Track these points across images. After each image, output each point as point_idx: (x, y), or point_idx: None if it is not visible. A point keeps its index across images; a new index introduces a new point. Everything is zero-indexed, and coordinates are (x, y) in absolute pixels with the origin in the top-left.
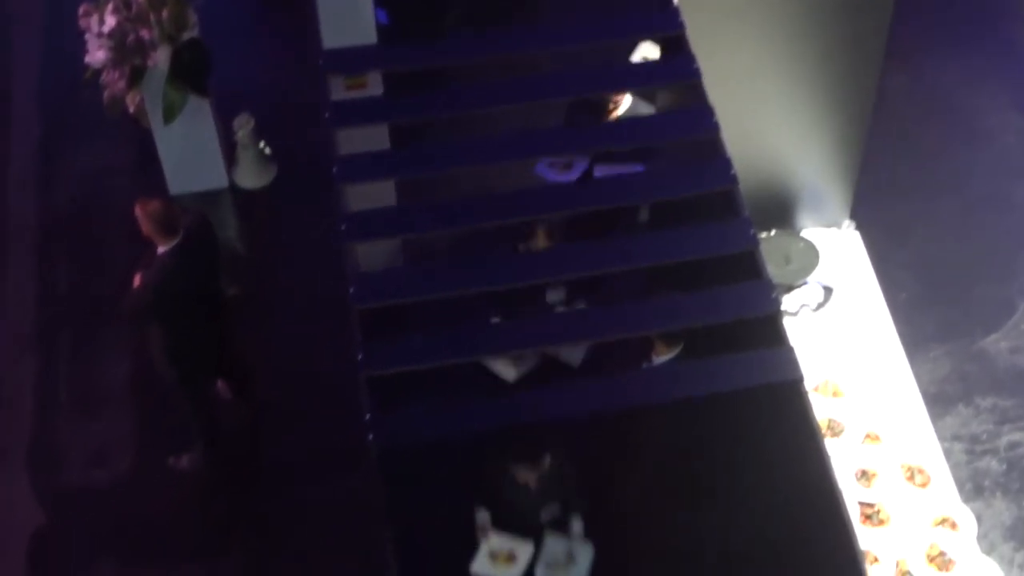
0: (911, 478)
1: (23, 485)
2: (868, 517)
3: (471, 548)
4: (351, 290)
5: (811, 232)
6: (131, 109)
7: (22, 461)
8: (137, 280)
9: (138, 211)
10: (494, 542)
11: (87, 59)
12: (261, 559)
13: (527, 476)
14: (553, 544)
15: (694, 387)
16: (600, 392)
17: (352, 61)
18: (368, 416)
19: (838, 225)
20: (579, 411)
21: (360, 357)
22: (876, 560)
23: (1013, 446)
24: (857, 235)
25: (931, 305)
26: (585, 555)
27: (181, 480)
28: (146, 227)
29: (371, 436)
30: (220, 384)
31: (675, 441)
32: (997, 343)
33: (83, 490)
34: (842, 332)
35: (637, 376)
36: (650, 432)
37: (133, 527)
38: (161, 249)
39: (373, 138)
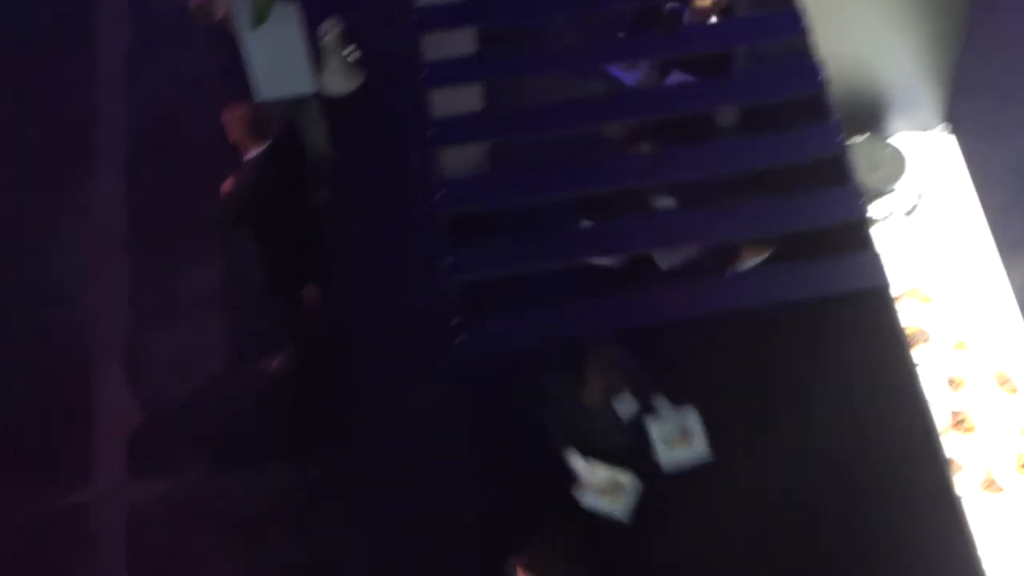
0: (1002, 384)
1: (114, 389)
2: (956, 424)
3: (546, 455)
4: (438, 195)
5: (903, 136)
6: (218, 15)
7: (112, 366)
8: (227, 186)
9: (226, 117)
10: (596, 480)
11: None
12: (343, 464)
13: (593, 392)
14: (657, 427)
15: (779, 293)
16: (685, 298)
17: None
18: (454, 322)
19: (932, 128)
20: (663, 317)
21: (447, 262)
22: (961, 468)
23: None
24: (952, 138)
25: None
26: (693, 419)
27: (269, 385)
28: (234, 133)
29: (456, 342)
30: (308, 289)
31: (758, 351)
32: None
33: (172, 394)
34: (933, 238)
35: (722, 282)
36: (733, 341)
37: (221, 431)
38: (249, 155)
39: (460, 44)
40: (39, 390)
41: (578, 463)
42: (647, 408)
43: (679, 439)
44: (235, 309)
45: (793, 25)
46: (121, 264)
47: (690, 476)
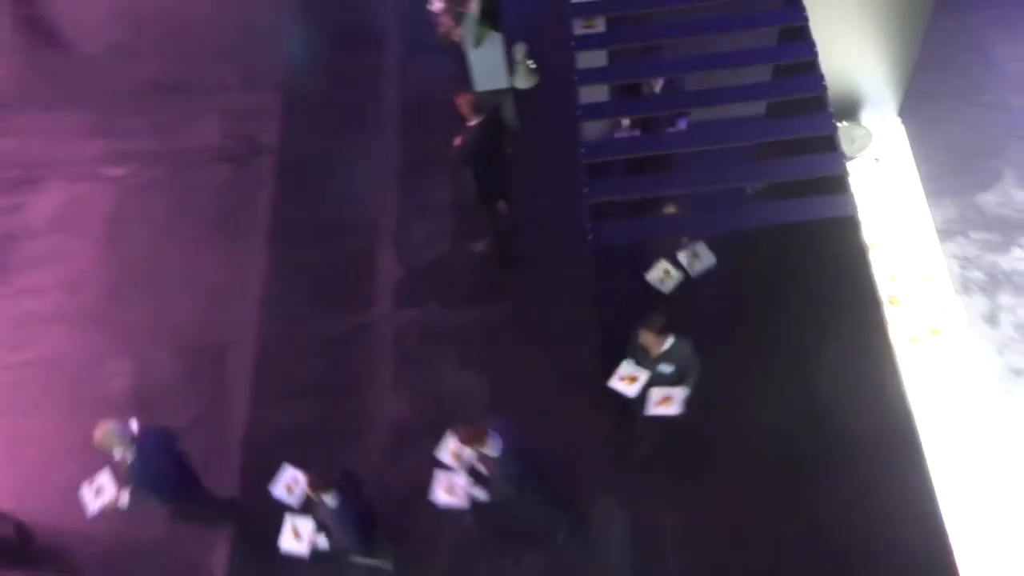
0: (925, 280)
1: (388, 257)
2: (892, 302)
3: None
4: (582, 150)
5: (869, 122)
6: (455, 38)
7: (388, 243)
8: (457, 141)
9: (458, 99)
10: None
11: (430, 6)
12: (516, 308)
13: (649, 343)
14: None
15: (787, 217)
16: (728, 218)
17: (587, 8)
18: (588, 225)
19: (889, 117)
20: (714, 229)
21: (585, 189)
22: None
23: (992, 265)
24: (903, 127)
25: (952, 176)
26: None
27: (477, 257)
28: (462, 109)
29: (589, 237)
30: (500, 203)
31: (775, 258)
32: (986, 198)
33: (422, 260)
34: (886, 189)
35: (751, 208)
36: (755, 249)
37: (450, 283)
38: (470, 123)
39: (597, 59)
40: (344, 257)
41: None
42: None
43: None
44: (459, 212)
45: (807, 51)
46: (394, 184)
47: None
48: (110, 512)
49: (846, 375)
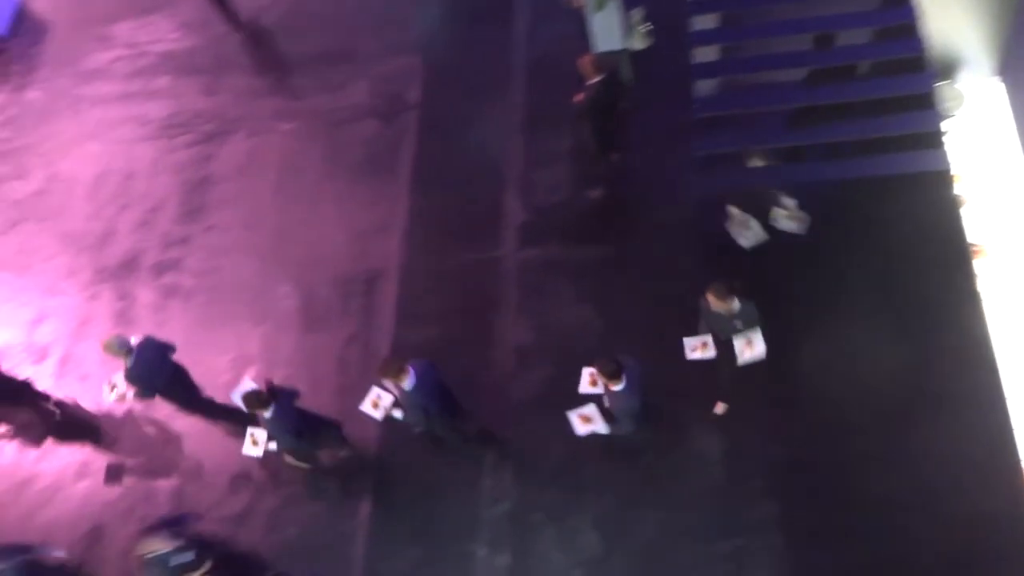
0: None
1: (513, 198)
2: (981, 255)
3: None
4: (695, 104)
5: (966, 81)
6: (577, 4)
7: (514, 187)
8: (578, 98)
9: (580, 59)
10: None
11: None
12: (628, 248)
13: (718, 306)
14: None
15: (881, 169)
16: (825, 168)
17: None
18: (694, 175)
19: (986, 78)
20: (821, 177)
21: (693, 143)
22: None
23: None
24: (1001, 85)
25: None
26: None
27: (594, 202)
28: (583, 69)
29: (693, 185)
30: (615, 154)
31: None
32: None
33: (544, 205)
34: (980, 146)
35: (847, 161)
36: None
37: (568, 224)
38: (591, 81)
39: (708, 21)
40: (476, 200)
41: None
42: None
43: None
44: (578, 162)
45: (909, 15)
46: (520, 136)
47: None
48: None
49: (934, 327)
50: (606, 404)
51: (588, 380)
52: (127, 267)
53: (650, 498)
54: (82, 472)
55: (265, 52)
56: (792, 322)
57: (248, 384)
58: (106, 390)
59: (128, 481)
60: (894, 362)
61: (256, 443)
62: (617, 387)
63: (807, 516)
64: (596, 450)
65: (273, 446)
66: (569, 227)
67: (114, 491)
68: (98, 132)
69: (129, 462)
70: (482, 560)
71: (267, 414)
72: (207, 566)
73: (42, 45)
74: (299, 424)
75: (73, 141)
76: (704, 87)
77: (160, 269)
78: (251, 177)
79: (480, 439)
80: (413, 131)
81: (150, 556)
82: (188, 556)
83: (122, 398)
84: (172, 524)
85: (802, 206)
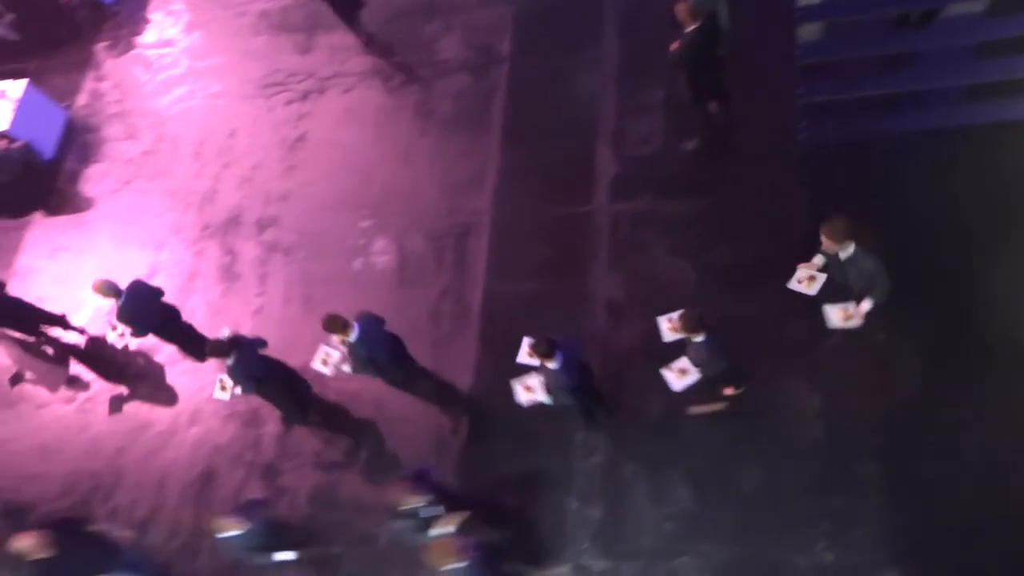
0: None
1: (605, 151)
2: None
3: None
4: (798, 50)
5: None
6: None
7: (606, 140)
8: (673, 46)
9: (676, 7)
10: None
11: None
12: (724, 201)
13: (827, 245)
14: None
15: (1005, 114)
16: (940, 114)
17: None
18: (800, 124)
19: None
20: (943, 124)
21: (799, 90)
22: None
23: None
24: None
25: None
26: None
27: (689, 153)
28: (679, 16)
29: (801, 136)
30: (712, 103)
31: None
32: None
33: (637, 158)
34: None
35: (973, 105)
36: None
37: (662, 177)
38: (687, 28)
39: None
40: (568, 153)
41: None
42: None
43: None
44: (674, 111)
45: None
46: (613, 87)
47: None
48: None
49: None
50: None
51: (667, 327)
52: (231, 223)
53: (746, 454)
54: (194, 419)
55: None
56: (899, 277)
57: (224, 333)
58: (108, 330)
59: (235, 428)
60: (1011, 319)
61: (224, 388)
62: (552, 365)
63: (908, 476)
64: (692, 403)
65: (239, 391)
66: (663, 180)
67: (224, 436)
68: (200, 92)
69: (239, 408)
70: (574, 513)
71: (228, 361)
72: (460, 517)
73: (148, 9)
74: (260, 372)
75: (178, 101)
76: (808, 31)
77: (262, 225)
78: (346, 134)
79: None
80: (504, 84)
81: (403, 508)
82: (437, 510)
83: (122, 336)
84: (420, 478)
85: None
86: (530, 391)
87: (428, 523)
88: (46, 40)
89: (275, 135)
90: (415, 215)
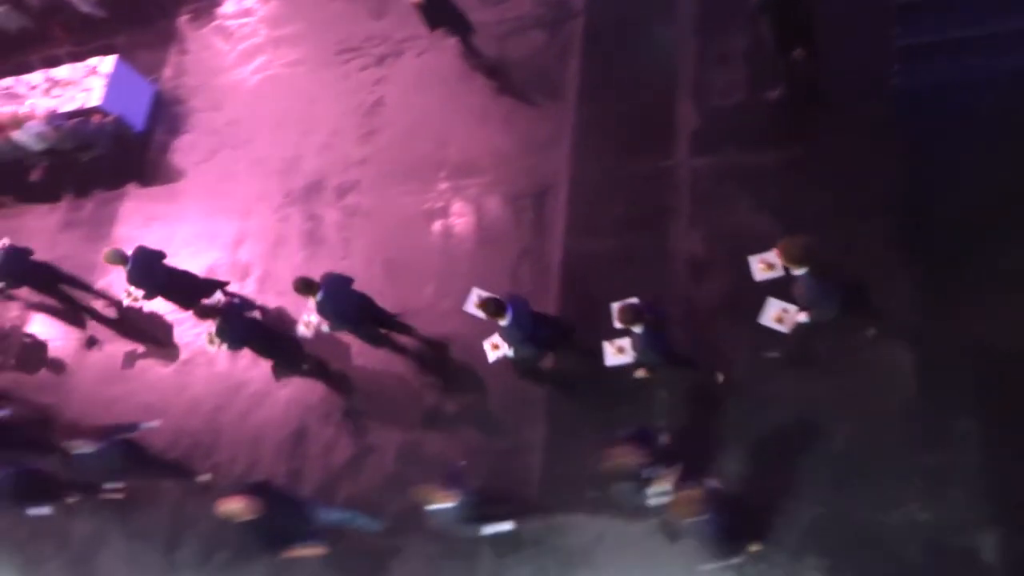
0: None
1: (686, 104)
2: None
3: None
4: None
5: None
6: None
7: (686, 92)
8: None
9: None
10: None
11: None
12: (811, 152)
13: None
14: None
15: None
16: None
17: None
18: (895, 68)
19: None
20: None
21: (897, 29)
22: None
23: None
24: None
25: None
26: None
27: (774, 103)
28: None
29: (895, 80)
30: (798, 49)
31: None
32: None
33: (719, 109)
34: None
35: None
36: None
37: (744, 128)
38: None
39: None
40: (646, 107)
41: None
42: None
43: None
44: (757, 59)
45: None
46: (692, 37)
47: None
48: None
49: None
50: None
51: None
52: (312, 189)
53: (839, 411)
54: (285, 379)
55: None
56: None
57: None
58: (124, 295)
59: (323, 389)
60: None
61: (308, 325)
62: (503, 322)
63: (1007, 434)
64: (779, 363)
65: (326, 328)
66: (746, 131)
67: (314, 396)
68: (279, 61)
69: (330, 367)
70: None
71: (317, 297)
72: (675, 473)
73: None
74: (347, 309)
75: (258, 70)
76: None
77: (342, 190)
78: (421, 97)
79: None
80: (579, 39)
81: (624, 470)
82: (658, 470)
83: (135, 300)
84: (643, 438)
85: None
86: (622, 352)
87: (647, 483)
88: (131, 16)
89: (352, 100)
90: (492, 176)
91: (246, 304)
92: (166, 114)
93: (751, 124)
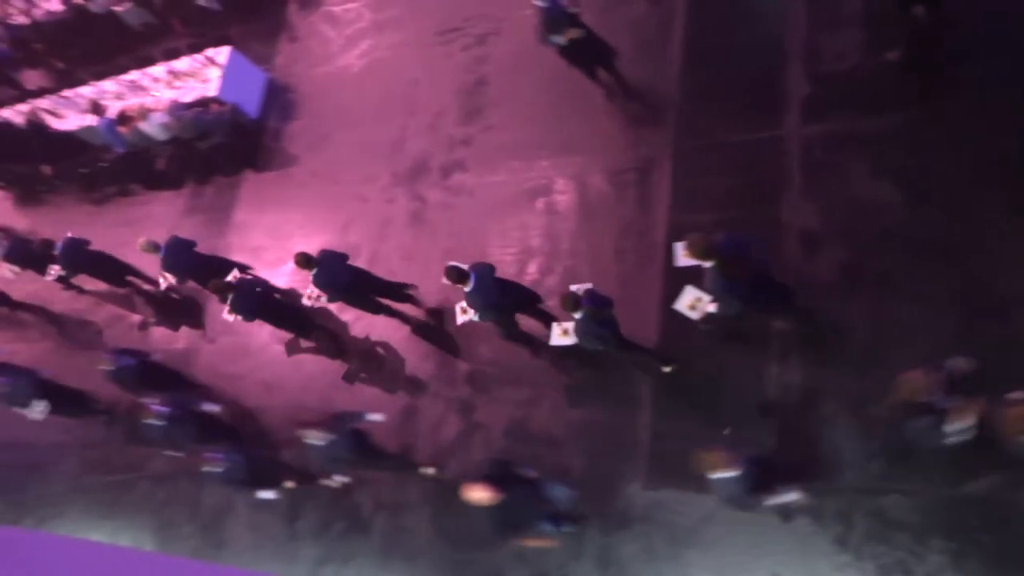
0: None
1: (796, 74)
2: None
3: None
4: None
5: None
6: None
7: (796, 57)
8: None
9: None
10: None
11: None
12: (932, 115)
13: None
14: None
15: None
16: None
17: None
18: None
19: None
20: None
21: None
22: None
23: None
24: None
25: None
26: None
27: (892, 65)
28: None
29: None
30: (919, 7)
31: None
32: None
33: (832, 74)
34: None
35: None
36: None
37: (860, 93)
38: None
39: None
40: (755, 72)
41: None
42: None
43: None
44: (873, 19)
45: None
46: (801, 2)
47: None
48: None
49: None
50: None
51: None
52: (418, 170)
53: None
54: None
55: None
56: None
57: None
58: (162, 280)
59: (431, 367)
60: None
61: (465, 312)
62: (467, 288)
63: None
64: (898, 335)
65: (476, 317)
66: (862, 96)
67: (423, 373)
68: (383, 44)
69: (433, 348)
70: (769, 446)
71: (466, 288)
72: (976, 406)
73: None
74: (498, 301)
75: (363, 54)
76: None
77: (447, 170)
78: (523, 74)
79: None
80: (682, 7)
81: (919, 401)
82: (953, 400)
83: (169, 285)
84: (938, 367)
85: None
86: (697, 305)
87: (944, 417)
88: (244, 7)
89: (455, 81)
90: (595, 152)
91: (258, 282)
92: (278, 101)
93: (867, 88)
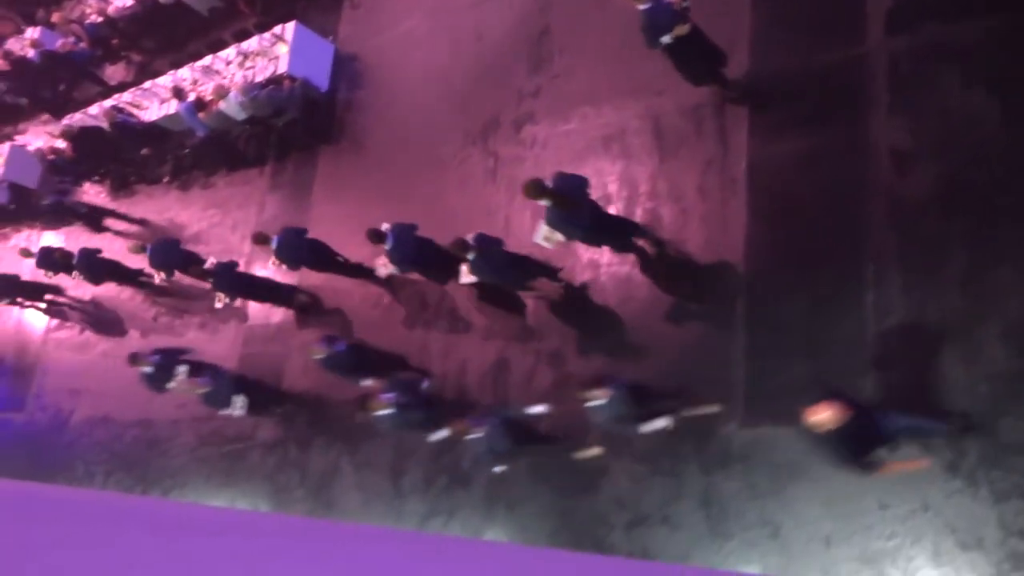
0: None
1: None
2: None
3: None
4: None
5: None
6: None
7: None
8: None
9: None
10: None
11: None
12: (1018, 15)
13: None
14: None
15: None
16: None
17: None
18: None
19: None
20: None
21: None
22: None
23: None
24: None
25: None
26: None
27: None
28: None
29: None
30: None
31: None
32: None
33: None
34: None
35: None
36: None
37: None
38: None
39: None
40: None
41: None
42: None
43: None
44: None
45: None
46: None
47: None
48: None
49: None
50: None
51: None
52: (489, 127)
53: None
54: (472, 314)
55: None
56: None
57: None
58: (155, 275)
59: (516, 324)
60: None
61: (386, 266)
62: (386, 247)
63: None
64: (998, 252)
65: (396, 271)
66: (949, 1)
67: (511, 330)
68: (445, 3)
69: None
70: (872, 377)
71: (386, 247)
72: None
73: None
74: (414, 255)
75: (427, 15)
76: None
77: (518, 124)
78: (585, 19)
79: None
80: None
81: None
82: None
83: (163, 280)
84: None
85: None
86: (551, 236)
87: None
88: None
89: (519, 32)
90: (667, 90)
91: (233, 264)
92: (346, 71)
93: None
